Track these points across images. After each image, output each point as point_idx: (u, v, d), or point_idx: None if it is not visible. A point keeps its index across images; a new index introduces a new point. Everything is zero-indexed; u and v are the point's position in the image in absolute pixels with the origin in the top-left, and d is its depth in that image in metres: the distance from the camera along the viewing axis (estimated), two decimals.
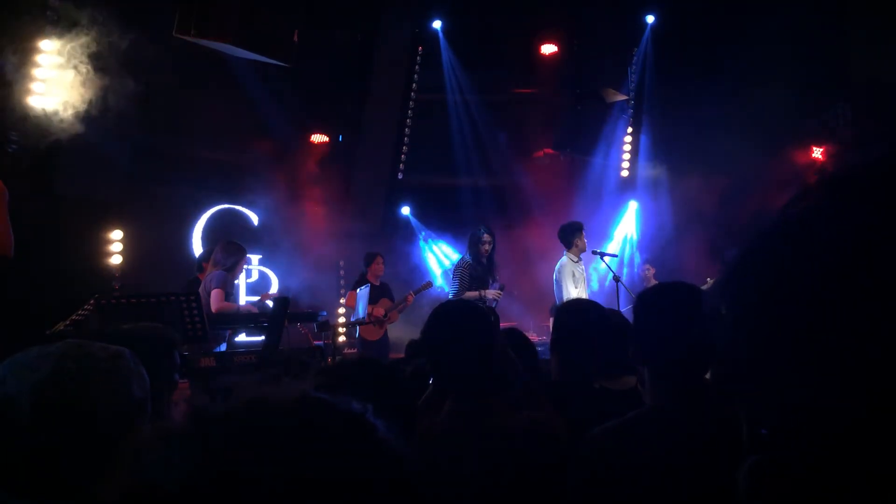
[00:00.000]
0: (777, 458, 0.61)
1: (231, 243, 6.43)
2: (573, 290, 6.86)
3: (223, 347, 6.08)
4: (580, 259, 7.13)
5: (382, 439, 0.71)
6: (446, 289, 8.46)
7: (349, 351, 8.23)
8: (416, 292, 8.24)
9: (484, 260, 7.02)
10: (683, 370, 1.79)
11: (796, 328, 0.59)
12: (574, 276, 6.97)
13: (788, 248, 0.61)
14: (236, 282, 8.85)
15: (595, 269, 9.09)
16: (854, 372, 0.55)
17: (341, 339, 8.70)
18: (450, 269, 7.26)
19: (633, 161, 11.00)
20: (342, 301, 9.83)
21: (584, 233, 7.11)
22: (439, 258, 10.72)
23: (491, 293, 6.93)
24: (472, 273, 6.93)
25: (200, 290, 5.92)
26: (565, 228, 7.16)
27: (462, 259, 7.09)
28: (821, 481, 0.57)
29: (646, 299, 1.99)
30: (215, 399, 0.74)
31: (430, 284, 8.53)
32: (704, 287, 8.14)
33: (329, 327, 6.72)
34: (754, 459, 0.63)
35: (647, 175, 10.87)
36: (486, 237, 7.01)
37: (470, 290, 6.85)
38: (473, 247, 7.02)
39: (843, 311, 0.56)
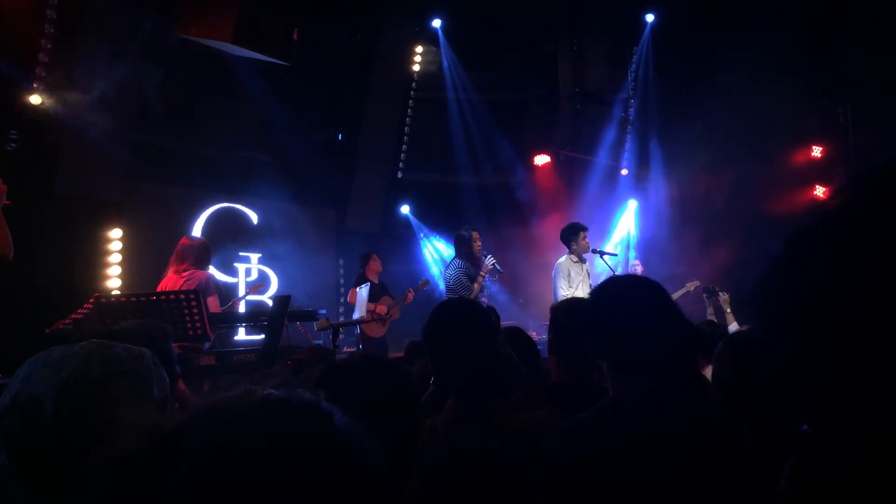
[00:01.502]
0: (821, 460, 0.60)
1: (203, 241, 6.36)
2: (565, 290, 6.90)
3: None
4: (582, 259, 7.14)
5: (340, 426, 0.71)
6: (442, 285, 8.46)
7: (349, 349, 8.24)
8: (416, 290, 8.28)
9: (474, 257, 6.99)
10: (644, 360, 1.76)
11: (838, 328, 0.58)
12: (570, 276, 6.99)
13: (831, 243, 0.60)
14: (235, 280, 8.88)
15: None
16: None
17: (341, 336, 8.69)
18: (444, 274, 7.21)
19: (632, 160, 10.99)
20: (342, 300, 9.85)
21: (586, 234, 7.12)
22: (438, 257, 10.73)
23: (487, 267, 6.89)
24: (468, 273, 6.89)
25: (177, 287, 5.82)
26: (565, 229, 7.20)
27: (455, 262, 7.01)
28: (867, 486, 0.56)
29: (601, 292, 1.93)
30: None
31: (427, 282, 8.57)
32: (690, 287, 8.20)
33: (329, 325, 6.70)
34: (797, 460, 0.63)
35: (647, 174, 10.87)
36: (476, 235, 7.00)
37: (469, 288, 6.85)
38: (466, 247, 6.95)
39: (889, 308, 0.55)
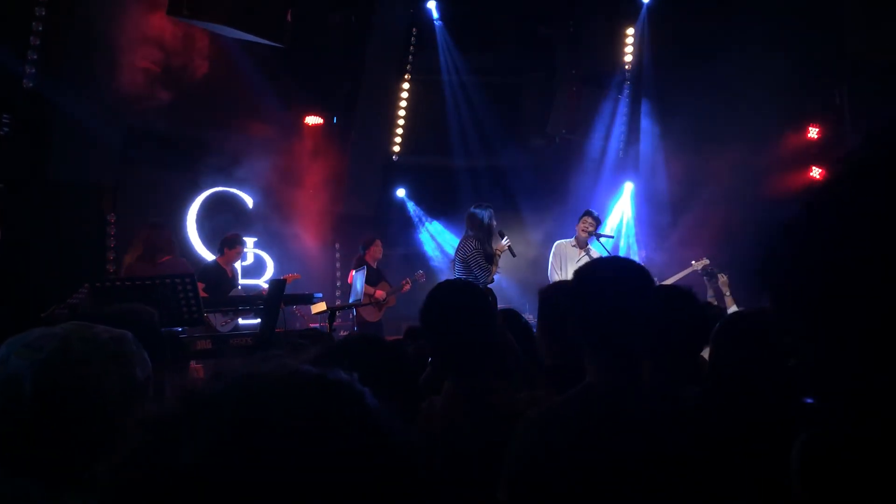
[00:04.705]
0: (831, 434, 0.59)
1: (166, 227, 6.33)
2: (556, 273, 6.95)
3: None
4: (581, 244, 7.19)
5: (371, 406, 0.71)
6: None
7: (345, 333, 8.24)
8: (413, 281, 8.33)
9: (490, 236, 6.63)
10: (623, 344, 1.75)
11: (850, 297, 0.57)
12: (562, 259, 7.03)
13: (842, 211, 0.59)
14: (235, 265, 8.86)
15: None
16: None
17: (338, 321, 8.69)
18: (458, 256, 6.76)
19: (629, 142, 10.97)
20: (338, 284, 9.85)
21: (589, 219, 7.18)
22: (430, 236, 10.73)
23: (502, 246, 6.62)
24: (485, 252, 6.53)
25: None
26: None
27: (471, 242, 6.56)
28: (878, 459, 0.55)
29: (583, 274, 1.89)
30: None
31: (423, 276, 8.58)
32: (698, 266, 7.94)
33: (326, 309, 6.71)
34: (807, 435, 0.62)
35: (643, 156, 10.85)
36: (493, 214, 6.65)
37: (487, 268, 6.51)
38: (482, 225, 6.56)
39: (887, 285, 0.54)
